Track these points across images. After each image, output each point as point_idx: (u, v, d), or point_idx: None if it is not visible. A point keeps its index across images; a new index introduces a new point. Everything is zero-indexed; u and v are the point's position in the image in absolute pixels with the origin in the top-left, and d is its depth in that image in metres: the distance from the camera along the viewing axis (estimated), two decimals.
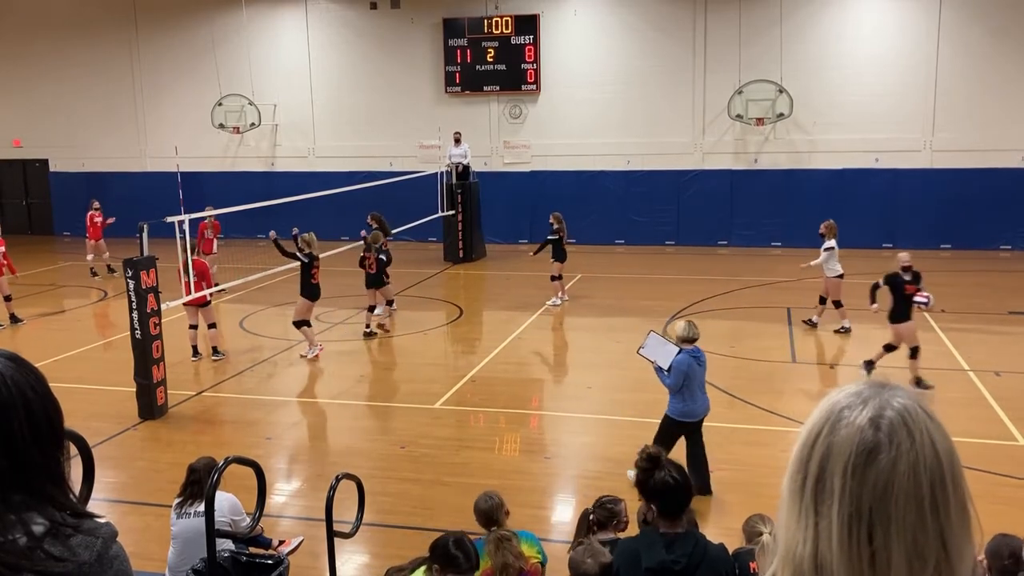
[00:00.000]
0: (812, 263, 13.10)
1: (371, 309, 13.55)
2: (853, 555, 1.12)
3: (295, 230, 12.58)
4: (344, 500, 6.04)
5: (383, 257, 13.55)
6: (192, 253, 12.18)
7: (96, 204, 19.32)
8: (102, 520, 1.59)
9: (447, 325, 14.43)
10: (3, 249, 14.80)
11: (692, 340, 7.47)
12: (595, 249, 20.10)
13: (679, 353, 7.35)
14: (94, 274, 18.70)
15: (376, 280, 13.45)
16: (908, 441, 1.12)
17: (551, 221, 15.30)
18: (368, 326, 13.42)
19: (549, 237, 15.10)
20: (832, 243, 12.91)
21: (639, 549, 3.83)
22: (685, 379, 7.30)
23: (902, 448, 1.12)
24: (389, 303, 13.78)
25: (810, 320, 13.35)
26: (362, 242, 15.03)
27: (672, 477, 3.90)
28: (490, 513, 4.94)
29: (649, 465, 3.96)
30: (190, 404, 10.59)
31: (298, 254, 12.07)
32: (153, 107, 24.76)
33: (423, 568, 4.39)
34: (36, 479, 1.52)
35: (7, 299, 14.62)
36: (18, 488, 1.50)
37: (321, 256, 14.91)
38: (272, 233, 12.40)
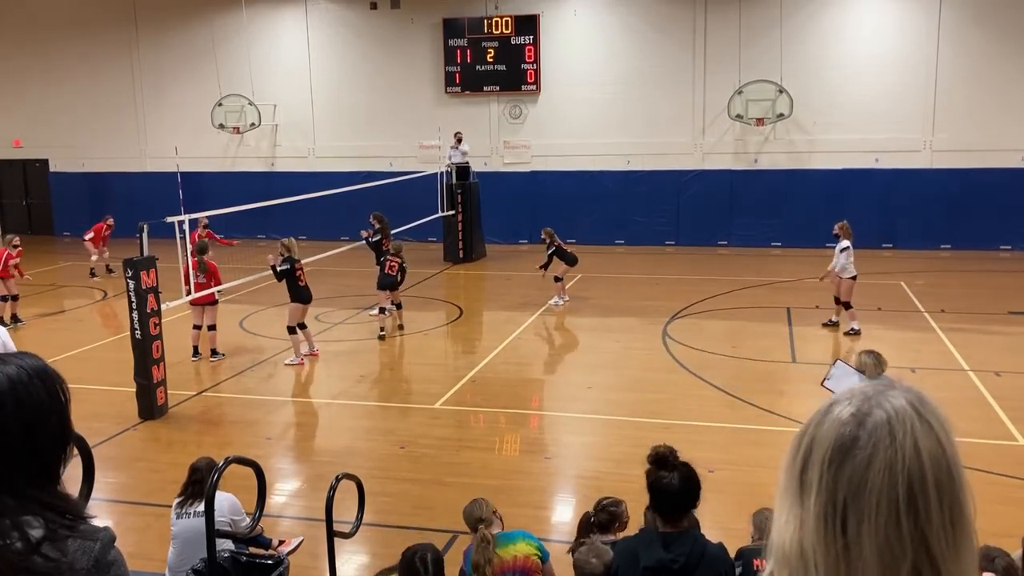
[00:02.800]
0: (829, 268, 12.89)
1: (382, 311, 13.59)
2: (829, 544, 1.13)
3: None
4: (344, 500, 6.04)
5: (406, 265, 13.73)
6: (204, 254, 12.21)
7: (110, 220, 19.18)
8: (100, 524, 1.58)
9: (447, 325, 14.43)
10: (17, 261, 15.05)
11: (880, 376, 6.74)
12: (595, 249, 20.09)
13: None
14: (93, 274, 18.70)
15: (391, 282, 13.52)
16: (888, 440, 1.12)
17: (543, 236, 15.39)
18: (382, 329, 13.46)
19: (548, 252, 15.16)
20: (847, 243, 12.74)
21: (637, 548, 3.83)
22: None
23: (880, 446, 1.12)
24: (398, 305, 13.82)
25: (830, 320, 13.17)
26: (364, 242, 15.08)
27: (674, 480, 3.86)
28: (472, 515, 4.99)
29: (656, 463, 3.95)
30: (190, 404, 10.59)
31: (276, 267, 11.98)
32: (153, 107, 24.76)
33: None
34: (32, 484, 1.52)
35: (14, 298, 14.67)
36: (13, 492, 1.49)
37: (320, 256, 14.97)
38: (270, 256, 12.31)
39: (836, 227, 13.14)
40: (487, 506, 5.02)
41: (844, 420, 1.15)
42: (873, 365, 6.76)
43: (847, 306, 12.81)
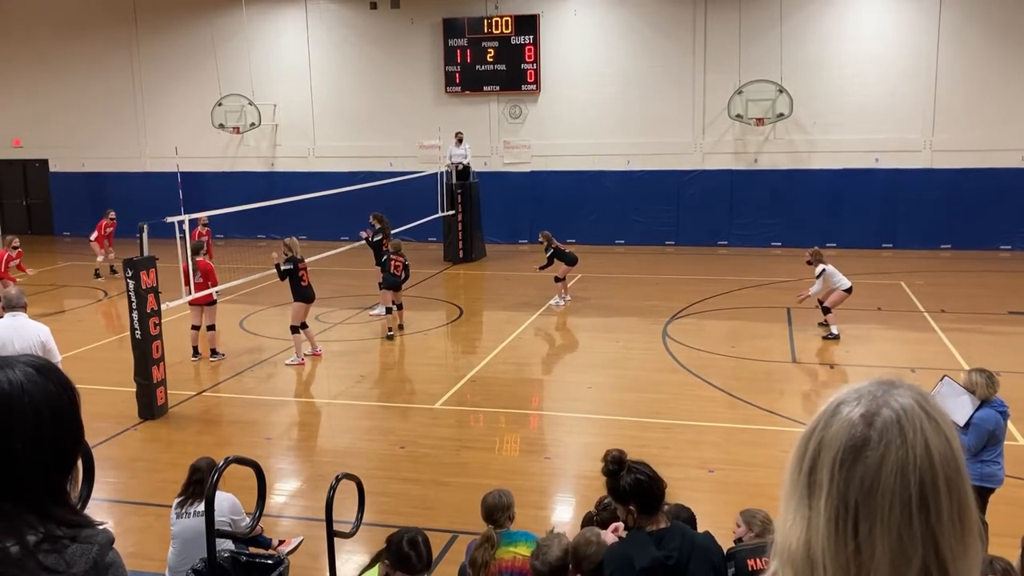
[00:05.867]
0: (810, 291, 12.72)
1: (389, 311, 13.58)
2: (839, 546, 1.12)
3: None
4: (344, 500, 6.04)
5: (408, 263, 13.77)
6: (198, 255, 12.20)
7: (112, 214, 19.01)
8: (99, 527, 1.57)
9: (447, 325, 14.43)
10: (18, 262, 15.10)
11: (992, 395, 6.36)
12: (595, 249, 20.10)
13: (981, 407, 6.23)
14: (97, 275, 18.60)
15: (397, 282, 13.54)
16: (899, 439, 1.12)
17: (541, 240, 15.43)
18: (390, 329, 13.46)
19: (547, 254, 15.18)
20: (821, 267, 12.60)
21: (630, 552, 3.82)
22: (990, 438, 6.24)
23: (891, 446, 1.12)
24: (399, 306, 13.83)
25: (830, 334, 12.67)
26: (363, 242, 15.08)
27: (641, 475, 3.91)
28: (492, 510, 4.94)
29: (616, 467, 3.96)
30: (190, 404, 10.59)
31: (280, 265, 11.95)
32: (153, 107, 24.76)
33: (379, 565, 4.40)
34: (33, 491, 1.50)
35: None
36: (12, 497, 1.48)
37: (321, 256, 14.97)
38: (275, 255, 12.31)
39: (808, 254, 13.00)
40: (506, 510, 4.97)
41: (854, 421, 1.15)
42: (985, 384, 6.27)
43: (826, 310, 12.68)
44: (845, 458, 1.13)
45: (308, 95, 23.50)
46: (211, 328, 12.32)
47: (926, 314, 13.98)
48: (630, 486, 3.89)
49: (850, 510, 1.12)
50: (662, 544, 3.76)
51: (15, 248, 15.15)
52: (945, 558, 1.11)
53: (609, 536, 4.29)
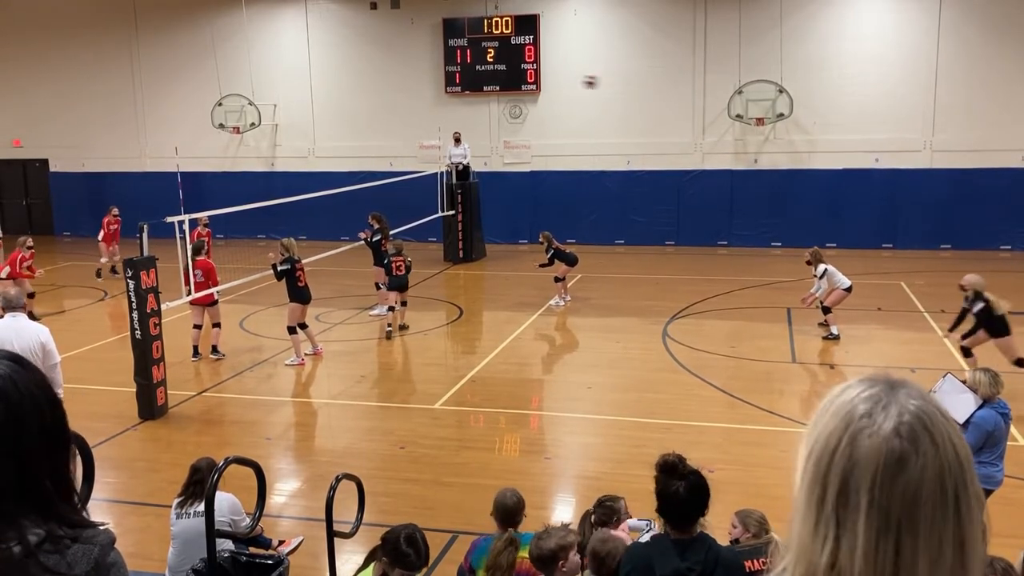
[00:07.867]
0: (816, 293, 12.75)
1: (391, 309, 13.58)
2: (879, 565, 1.11)
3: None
4: (344, 500, 6.04)
5: (410, 262, 13.82)
6: (199, 254, 12.21)
7: (115, 211, 18.97)
8: (101, 527, 1.56)
9: (447, 325, 14.43)
10: (30, 263, 15.09)
11: (995, 396, 6.30)
12: (595, 249, 20.10)
13: (982, 407, 6.19)
14: (99, 275, 18.58)
15: (402, 283, 13.57)
16: (932, 447, 1.12)
17: (541, 240, 15.45)
18: (389, 325, 13.47)
19: (548, 254, 15.19)
20: (823, 266, 12.66)
21: (651, 556, 3.76)
22: (988, 439, 6.19)
23: (928, 455, 1.11)
24: (403, 304, 13.86)
25: (830, 334, 12.69)
26: (362, 242, 15.07)
27: (681, 489, 3.79)
28: (511, 512, 4.87)
29: (665, 471, 3.88)
30: (190, 404, 10.59)
31: (277, 266, 11.95)
32: (153, 107, 24.75)
33: (374, 564, 4.36)
34: (39, 488, 1.49)
35: (29, 296, 14.60)
36: (15, 497, 1.47)
37: (321, 256, 14.97)
38: (271, 255, 12.33)
39: (807, 254, 13.06)
40: (522, 511, 4.92)
41: (888, 436, 1.13)
42: (988, 383, 6.22)
43: (826, 310, 12.69)
44: (886, 475, 1.12)
45: (308, 95, 23.50)
46: (216, 326, 12.36)
47: (926, 314, 13.97)
48: (663, 494, 3.80)
49: (892, 527, 1.11)
50: (686, 555, 3.68)
51: (29, 248, 15.11)
52: (968, 554, 1.12)
53: (622, 533, 4.25)
